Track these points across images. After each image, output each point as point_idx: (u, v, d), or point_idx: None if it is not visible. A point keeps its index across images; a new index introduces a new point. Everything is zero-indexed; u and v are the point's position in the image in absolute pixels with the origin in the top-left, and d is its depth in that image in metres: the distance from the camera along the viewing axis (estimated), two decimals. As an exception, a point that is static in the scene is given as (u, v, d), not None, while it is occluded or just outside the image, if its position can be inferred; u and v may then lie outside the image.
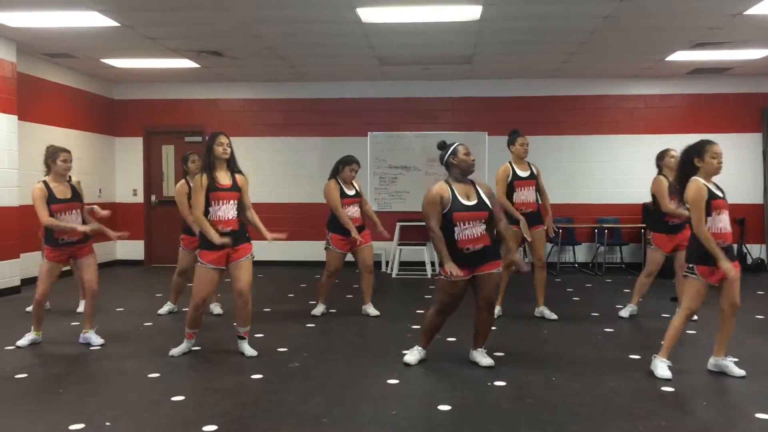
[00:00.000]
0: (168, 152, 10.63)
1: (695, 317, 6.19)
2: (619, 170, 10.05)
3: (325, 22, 6.87)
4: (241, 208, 4.95)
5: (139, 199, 10.68)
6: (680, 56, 8.48)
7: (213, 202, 4.83)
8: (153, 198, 10.66)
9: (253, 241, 5.03)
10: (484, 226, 4.54)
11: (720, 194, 4.38)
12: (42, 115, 8.81)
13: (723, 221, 4.33)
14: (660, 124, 10.05)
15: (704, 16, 6.68)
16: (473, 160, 4.59)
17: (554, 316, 6.34)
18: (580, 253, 10.37)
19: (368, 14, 6.52)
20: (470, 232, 4.48)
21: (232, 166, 4.98)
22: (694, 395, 4.16)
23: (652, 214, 6.30)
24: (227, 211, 4.85)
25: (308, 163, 10.40)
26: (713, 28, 7.08)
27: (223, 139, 4.89)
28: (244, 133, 10.36)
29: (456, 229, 4.47)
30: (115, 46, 8.01)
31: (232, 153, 4.95)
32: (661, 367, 4.48)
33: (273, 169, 10.48)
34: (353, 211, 6.39)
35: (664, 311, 6.58)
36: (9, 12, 6.55)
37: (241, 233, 4.93)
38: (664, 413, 3.84)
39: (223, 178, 4.90)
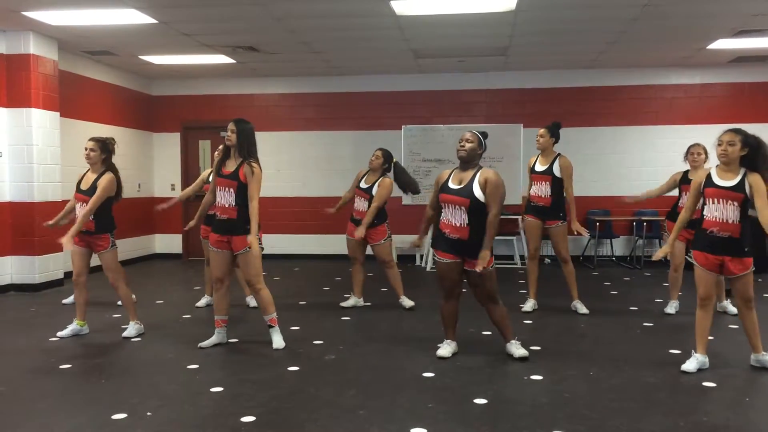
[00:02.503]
0: (205, 147, 10.77)
1: (730, 308, 6.08)
2: (659, 162, 9.83)
3: (359, 16, 6.87)
4: (240, 197, 4.84)
5: (177, 193, 10.83)
6: (722, 44, 8.27)
7: (216, 188, 4.96)
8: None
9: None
10: (466, 218, 4.49)
11: (719, 183, 4.31)
12: (83, 111, 9.00)
13: (717, 210, 4.30)
14: (701, 115, 9.83)
15: (747, 2, 6.49)
16: (459, 148, 4.64)
17: (585, 311, 6.26)
18: (618, 247, 10.21)
19: (402, 7, 6.49)
20: (450, 217, 4.56)
21: (244, 153, 4.87)
22: (736, 391, 4.08)
23: (674, 206, 6.30)
24: (222, 197, 4.91)
25: (341, 156, 10.43)
26: (757, 14, 6.87)
27: (229, 126, 4.91)
28: (279, 128, 10.46)
29: (442, 211, 4.63)
30: (153, 43, 8.14)
31: (242, 140, 4.86)
32: (689, 361, 4.45)
33: (306, 163, 10.53)
34: (359, 204, 6.41)
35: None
36: (50, 11, 6.69)
37: (239, 224, 4.85)
38: (706, 409, 3.77)
39: (231, 165, 4.93)
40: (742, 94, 9.80)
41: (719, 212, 4.29)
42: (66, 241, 5.09)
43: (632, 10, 6.71)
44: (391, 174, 6.46)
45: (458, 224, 4.52)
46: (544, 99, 10.07)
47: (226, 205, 4.89)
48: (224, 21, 7.08)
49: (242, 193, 4.85)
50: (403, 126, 10.31)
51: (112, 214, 5.46)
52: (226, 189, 4.88)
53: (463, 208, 4.49)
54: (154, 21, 6.97)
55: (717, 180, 4.34)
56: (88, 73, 9.14)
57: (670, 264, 6.32)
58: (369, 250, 6.55)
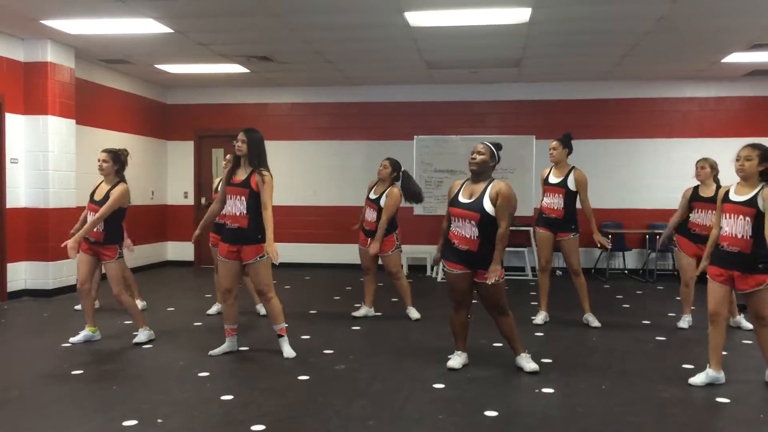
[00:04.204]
0: (218, 155, 10.84)
1: (744, 324, 6.01)
2: (672, 175, 9.78)
3: (373, 27, 6.90)
4: (252, 206, 4.85)
5: (190, 201, 10.91)
6: (737, 58, 8.23)
7: (227, 197, 4.97)
8: (203, 200, 10.86)
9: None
10: (476, 231, 4.46)
11: (733, 198, 4.29)
12: (98, 119, 9.08)
13: (728, 225, 4.29)
14: (715, 128, 9.78)
15: (762, 15, 6.46)
16: (470, 160, 4.59)
17: (597, 324, 6.21)
18: (630, 260, 10.15)
19: (416, 18, 6.52)
20: (460, 229, 4.53)
21: (255, 163, 4.90)
22: (750, 407, 4.03)
23: (685, 220, 6.14)
24: (233, 206, 4.91)
25: (353, 167, 10.45)
26: (772, 28, 6.86)
27: (239, 136, 4.94)
28: (291, 137, 10.51)
29: (451, 222, 4.61)
30: (169, 52, 8.22)
31: (252, 149, 4.88)
32: (698, 375, 4.46)
33: (318, 173, 10.56)
34: (369, 214, 6.42)
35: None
36: (68, 20, 6.77)
37: (250, 233, 4.84)
38: (719, 425, 3.73)
39: (241, 174, 4.95)
40: (757, 107, 9.75)
41: (730, 227, 4.27)
42: (71, 245, 5.12)
43: (646, 23, 6.70)
44: (399, 183, 6.44)
45: (468, 236, 4.49)
46: (556, 111, 10.06)
47: (237, 213, 4.89)
48: (239, 31, 7.14)
49: (254, 201, 4.85)
50: (415, 136, 10.33)
51: (123, 226, 5.49)
52: (238, 197, 4.89)
53: (473, 222, 4.46)
54: (171, 31, 7.04)
55: (733, 195, 4.32)
56: (104, 81, 9.23)
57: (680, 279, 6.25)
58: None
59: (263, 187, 4.84)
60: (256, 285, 5.00)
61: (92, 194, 5.43)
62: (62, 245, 5.25)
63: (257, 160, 4.91)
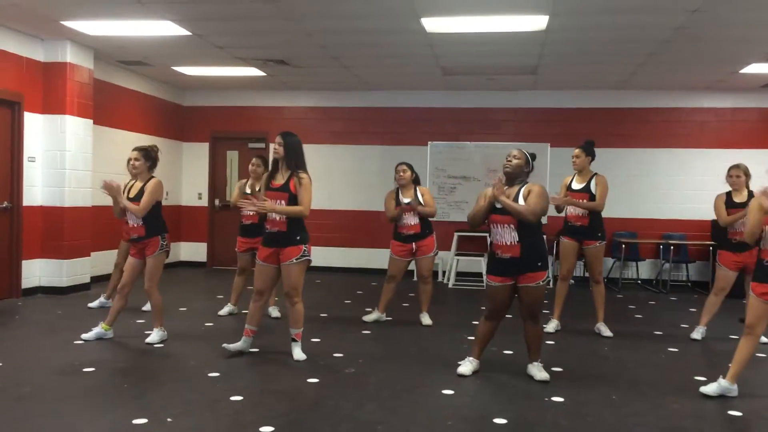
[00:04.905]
0: (232, 158, 10.90)
1: (765, 339, 5.94)
2: (688, 185, 9.74)
3: (389, 33, 6.92)
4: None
5: (204, 202, 10.98)
6: (755, 69, 8.17)
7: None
8: (216, 202, 10.92)
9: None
10: (516, 235, 4.47)
11: None
12: (115, 119, 9.17)
13: None
14: (732, 139, 9.71)
15: (782, 27, 6.43)
16: (507, 163, 4.62)
17: (609, 334, 6.17)
18: (644, 270, 10.08)
19: (433, 24, 6.53)
20: (500, 237, 4.53)
21: (292, 166, 4.97)
22: (763, 420, 3.98)
23: (719, 232, 6.09)
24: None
25: (367, 171, 10.47)
26: (792, 39, 6.80)
27: (276, 139, 5.00)
28: (305, 140, 10.36)
29: (491, 231, 4.60)
30: (187, 55, 8.28)
31: (290, 152, 4.95)
32: (711, 384, 4.39)
33: (332, 176, 10.59)
34: (409, 219, 6.42)
35: (733, 332, 6.32)
36: (87, 21, 6.85)
37: (289, 235, 4.91)
38: (732, 438, 3.69)
39: (280, 178, 4.98)
40: (775, 119, 9.67)
41: None
42: (113, 184, 5.24)
43: (664, 32, 6.67)
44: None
45: (509, 243, 4.50)
46: (572, 119, 10.03)
47: (277, 218, 4.93)
48: (256, 35, 7.19)
49: (293, 204, 4.91)
50: (429, 142, 10.34)
51: (163, 218, 5.55)
52: (278, 202, 4.92)
53: (511, 225, 4.48)
54: (189, 33, 7.10)
55: None
56: (121, 82, 9.31)
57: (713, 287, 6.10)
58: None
59: (300, 189, 4.90)
60: (286, 286, 5.01)
61: (127, 194, 5.46)
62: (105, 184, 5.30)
63: (295, 163, 4.97)
